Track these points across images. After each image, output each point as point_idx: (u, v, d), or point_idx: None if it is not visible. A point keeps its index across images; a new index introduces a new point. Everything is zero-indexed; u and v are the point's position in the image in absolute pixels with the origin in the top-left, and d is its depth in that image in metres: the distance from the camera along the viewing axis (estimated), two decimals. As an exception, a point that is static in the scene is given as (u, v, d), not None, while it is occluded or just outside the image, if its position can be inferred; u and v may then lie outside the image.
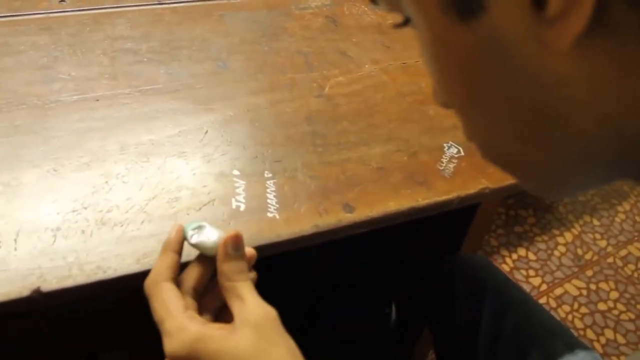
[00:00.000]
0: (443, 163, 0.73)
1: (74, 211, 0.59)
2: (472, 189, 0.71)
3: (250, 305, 0.49)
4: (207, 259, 0.53)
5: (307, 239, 0.62)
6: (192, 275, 0.53)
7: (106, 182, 0.63)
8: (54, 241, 0.57)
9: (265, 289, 0.55)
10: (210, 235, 0.52)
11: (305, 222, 0.63)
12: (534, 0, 0.25)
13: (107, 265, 0.56)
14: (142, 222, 0.60)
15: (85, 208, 0.60)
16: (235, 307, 0.50)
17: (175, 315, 0.48)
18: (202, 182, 0.64)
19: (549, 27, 0.26)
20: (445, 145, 0.76)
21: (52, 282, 0.54)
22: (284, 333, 0.50)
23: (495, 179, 0.73)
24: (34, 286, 0.53)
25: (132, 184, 0.63)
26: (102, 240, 0.57)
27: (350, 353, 1.25)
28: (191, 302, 0.51)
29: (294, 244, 0.62)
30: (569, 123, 0.30)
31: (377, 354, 1.33)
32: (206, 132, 0.70)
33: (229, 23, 0.88)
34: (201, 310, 0.52)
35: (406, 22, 0.34)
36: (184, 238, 0.53)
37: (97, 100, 0.71)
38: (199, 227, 0.52)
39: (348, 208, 0.65)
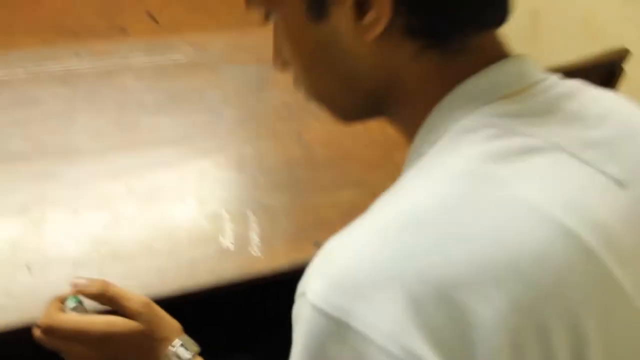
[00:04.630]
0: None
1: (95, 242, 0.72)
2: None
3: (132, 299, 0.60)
4: None
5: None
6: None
7: (117, 222, 0.76)
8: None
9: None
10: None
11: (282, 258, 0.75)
12: (357, 14, 0.45)
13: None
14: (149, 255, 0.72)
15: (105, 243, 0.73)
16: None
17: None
18: (197, 222, 0.77)
19: (364, 29, 0.45)
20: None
21: None
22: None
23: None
24: None
25: (140, 224, 0.76)
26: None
27: None
28: None
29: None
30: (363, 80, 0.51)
31: None
32: (201, 176, 0.83)
33: (224, 75, 1.01)
34: None
35: (267, 16, 0.51)
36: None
37: (110, 148, 0.84)
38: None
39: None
